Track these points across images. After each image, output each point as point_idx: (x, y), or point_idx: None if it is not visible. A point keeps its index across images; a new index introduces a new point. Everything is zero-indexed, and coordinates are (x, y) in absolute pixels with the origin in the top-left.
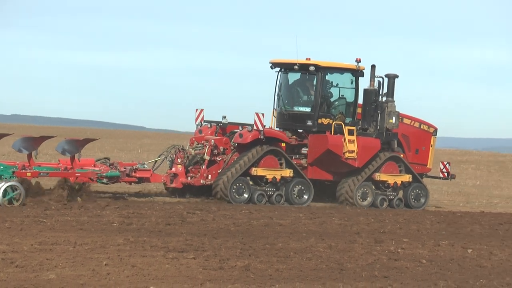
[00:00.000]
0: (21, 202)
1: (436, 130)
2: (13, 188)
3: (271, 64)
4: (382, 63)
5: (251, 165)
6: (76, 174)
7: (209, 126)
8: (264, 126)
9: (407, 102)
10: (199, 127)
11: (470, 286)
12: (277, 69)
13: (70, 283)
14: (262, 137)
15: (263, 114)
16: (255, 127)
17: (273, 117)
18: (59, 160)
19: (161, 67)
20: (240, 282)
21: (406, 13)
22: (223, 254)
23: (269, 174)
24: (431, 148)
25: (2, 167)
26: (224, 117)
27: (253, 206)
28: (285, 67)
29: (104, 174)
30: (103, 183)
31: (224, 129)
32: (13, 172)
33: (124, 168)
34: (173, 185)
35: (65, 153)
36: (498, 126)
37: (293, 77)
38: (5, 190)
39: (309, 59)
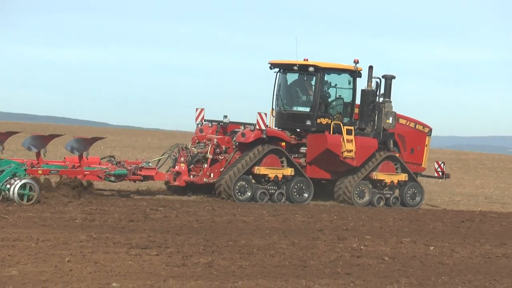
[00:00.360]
0: (36, 199)
1: (430, 130)
2: (24, 186)
3: (270, 65)
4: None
5: (253, 164)
6: (85, 172)
7: (209, 125)
8: (267, 125)
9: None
10: (199, 126)
11: (432, 283)
12: (276, 69)
13: (32, 280)
14: (264, 136)
15: (265, 114)
16: (257, 127)
17: (272, 116)
18: (64, 158)
19: (124, 63)
20: (203, 279)
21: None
22: (186, 250)
23: (271, 173)
24: (425, 148)
25: (14, 165)
26: (225, 117)
27: (216, 203)
28: (284, 68)
29: (112, 172)
30: (110, 181)
31: (225, 128)
32: (25, 170)
33: (131, 166)
34: (176, 183)
35: (73, 151)
36: (460, 124)
37: (292, 77)
38: (19, 193)
39: (307, 60)
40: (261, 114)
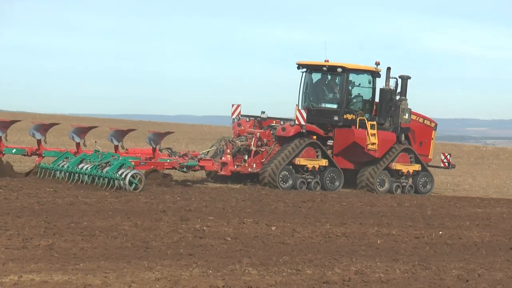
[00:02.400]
0: (142, 187)
1: (436, 125)
2: (135, 176)
3: (297, 65)
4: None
5: (294, 156)
6: (165, 164)
7: (247, 120)
8: (308, 121)
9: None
10: (236, 120)
11: (273, 263)
12: (303, 69)
13: None
14: (304, 131)
15: (305, 110)
16: (297, 122)
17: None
18: (127, 150)
19: None
20: (44, 261)
21: None
22: (27, 233)
23: (309, 164)
24: (432, 141)
25: (121, 157)
26: (263, 112)
27: (58, 185)
28: (310, 68)
29: (185, 163)
30: (183, 171)
31: (261, 122)
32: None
33: (196, 158)
34: (223, 172)
35: (151, 142)
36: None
37: (316, 77)
38: (129, 181)
39: (328, 61)
40: (301, 110)
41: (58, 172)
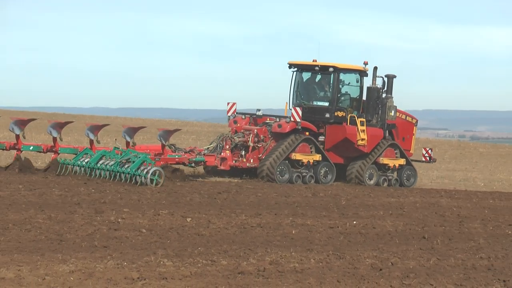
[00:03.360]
0: (162, 183)
1: (417, 121)
2: (155, 173)
3: (289, 65)
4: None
5: (290, 151)
6: (176, 159)
7: (243, 117)
8: (301, 118)
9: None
10: (232, 118)
11: (189, 254)
12: (294, 69)
13: None
14: (299, 127)
15: (300, 108)
16: (292, 119)
17: (289, 109)
18: (134, 146)
19: None
20: None
21: None
22: None
23: (304, 158)
24: (413, 136)
25: (141, 155)
26: (258, 110)
27: None
28: (301, 68)
29: (193, 159)
30: (191, 166)
31: (256, 120)
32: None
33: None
34: (222, 167)
35: (161, 139)
36: (214, 98)
37: (306, 75)
38: (151, 178)
39: (315, 60)
40: (296, 108)
41: (79, 168)
